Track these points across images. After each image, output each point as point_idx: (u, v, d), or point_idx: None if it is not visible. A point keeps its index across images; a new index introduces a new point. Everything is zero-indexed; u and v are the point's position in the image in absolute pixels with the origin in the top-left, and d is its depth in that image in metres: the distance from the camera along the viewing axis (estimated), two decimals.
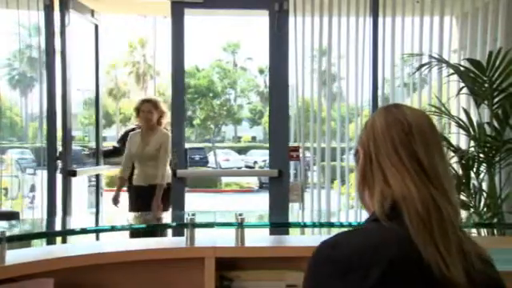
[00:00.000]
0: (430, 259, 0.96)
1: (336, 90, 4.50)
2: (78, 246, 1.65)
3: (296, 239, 1.97)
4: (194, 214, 1.62)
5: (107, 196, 4.82)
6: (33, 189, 5.51)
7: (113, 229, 1.68)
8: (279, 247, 1.66)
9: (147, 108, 4.49)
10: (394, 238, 0.99)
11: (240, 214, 1.66)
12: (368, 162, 1.10)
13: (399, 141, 1.08)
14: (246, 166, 22.21)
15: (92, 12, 4.58)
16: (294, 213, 4.06)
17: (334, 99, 4.44)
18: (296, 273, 1.62)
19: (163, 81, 24.97)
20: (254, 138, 27.63)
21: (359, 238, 1.02)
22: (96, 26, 4.73)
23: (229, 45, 26.98)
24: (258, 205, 4.34)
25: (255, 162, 21.34)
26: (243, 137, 28.93)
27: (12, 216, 3.70)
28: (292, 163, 4.31)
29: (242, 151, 25.66)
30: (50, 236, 1.71)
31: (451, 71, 3.65)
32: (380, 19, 4.16)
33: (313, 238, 1.07)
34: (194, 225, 1.60)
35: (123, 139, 4.90)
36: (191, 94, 24.49)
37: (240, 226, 1.62)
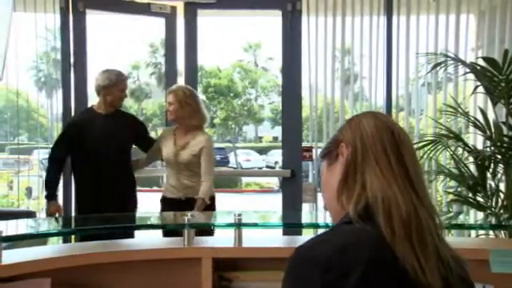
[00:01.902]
0: (407, 263, 0.97)
1: (352, 89, 4.47)
2: (76, 246, 1.67)
3: (302, 240, 1.95)
4: (192, 215, 1.63)
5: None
6: None
7: (109, 229, 1.70)
8: (276, 248, 1.65)
9: (169, 99, 3.55)
10: (369, 238, 1.00)
11: (239, 215, 1.66)
12: (353, 162, 1.08)
13: (389, 143, 1.07)
14: (267, 166, 22.20)
15: (148, 5, 4.24)
16: (307, 213, 4.05)
17: (350, 99, 4.42)
18: None
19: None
20: (275, 138, 27.60)
21: (336, 239, 1.02)
22: (168, 17, 4.26)
23: (250, 45, 27.03)
24: (277, 205, 4.33)
25: (276, 162, 21.33)
26: (264, 137, 28.94)
27: (29, 215, 3.78)
28: (310, 164, 4.31)
29: (262, 151, 25.66)
30: (41, 237, 1.73)
31: (467, 70, 3.59)
32: (394, 18, 4.13)
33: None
34: (192, 225, 1.61)
35: (79, 125, 3.58)
36: (212, 94, 24.59)
37: (237, 226, 1.62)
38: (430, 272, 0.98)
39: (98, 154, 3.49)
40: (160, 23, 4.37)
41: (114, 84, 3.54)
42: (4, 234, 1.45)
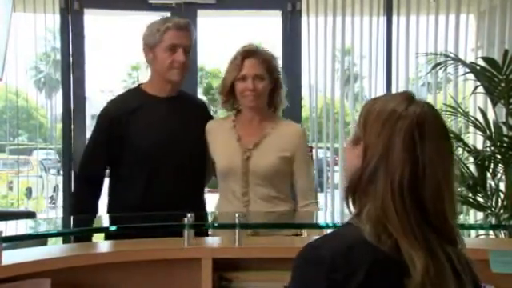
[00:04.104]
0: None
1: (352, 89, 4.47)
2: (76, 246, 1.67)
3: (302, 240, 1.95)
4: (192, 215, 1.63)
5: None
6: (56, 189, 5.63)
7: (107, 230, 1.70)
8: (276, 248, 1.65)
9: (253, 69, 2.12)
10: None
11: (239, 215, 1.67)
12: (367, 178, 1.04)
13: (407, 182, 1.01)
14: None
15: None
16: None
17: (350, 99, 4.42)
18: None
19: None
20: None
21: (343, 238, 1.03)
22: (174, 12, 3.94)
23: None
24: None
25: None
26: None
27: (28, 216, 3.78)
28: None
29: None
30: (41, 237, 1.74)
31: (467, 70, 3.59)
32: (394, 18, 4.13)
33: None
34: (192, 225, 1.61)
35: (116, 117, 2.21)
36: (212, 95, 24.59)
37: (238, 226, 1.62)
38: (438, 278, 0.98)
39: (147, 164, 2.18)
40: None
41: (159, 39, 2.12)
42: (4, 235, 1.46)
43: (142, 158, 2.17)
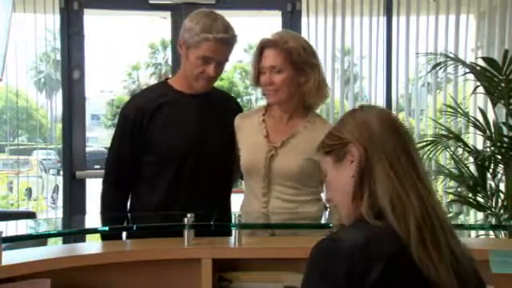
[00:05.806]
0: (422, 265, 1.00)
1: (352, 89, 4.47)
2: (76, 247, 1.67)
3: (303, 241, 1.94)
4: (191, 215, 1.63)
5: None
6: (56, 189, 5.64)
7: (110, 230, 1.70)
8: (276, 248, 1.65)
9: (269, 60, 1.98)
10: (388, 235, 1.03)
11: (239, 215, 1.67)
12: (367, 166, 1.08)
13: (398, 144, 1.08)
14: None
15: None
16: None
17: (350, 99, 4.42)
18: (294, 274, 1.62)
19: None
20: None
21: (359, 233, 1.04)
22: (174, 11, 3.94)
23: (250, 46, 27.05)
24: None
25: None
26: None
27: (29, 216, 3.78)
28: None
29: None
30: (42, 237, 1.74)
31: (467, 70, 3.60)
32: (394, 18, 4.13)
33: (312, 239, 1.09)
34: (192, 226, 1.61)
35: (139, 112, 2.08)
36: None
37: (237, 226, 1.63)
38: (444, 272, 1.00)
39: (171, 164, 2.06)
40: (160, 22, 4.32)
41: (195, 44, 1.98)
42: (4, 235, 1.46)
43: (166, 157, 2.05)
